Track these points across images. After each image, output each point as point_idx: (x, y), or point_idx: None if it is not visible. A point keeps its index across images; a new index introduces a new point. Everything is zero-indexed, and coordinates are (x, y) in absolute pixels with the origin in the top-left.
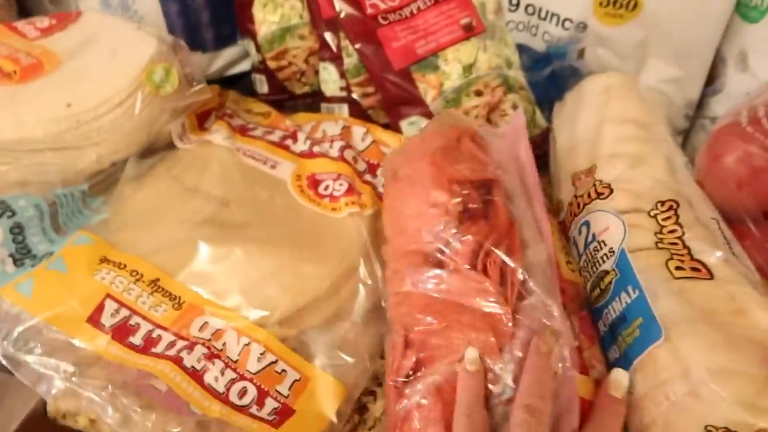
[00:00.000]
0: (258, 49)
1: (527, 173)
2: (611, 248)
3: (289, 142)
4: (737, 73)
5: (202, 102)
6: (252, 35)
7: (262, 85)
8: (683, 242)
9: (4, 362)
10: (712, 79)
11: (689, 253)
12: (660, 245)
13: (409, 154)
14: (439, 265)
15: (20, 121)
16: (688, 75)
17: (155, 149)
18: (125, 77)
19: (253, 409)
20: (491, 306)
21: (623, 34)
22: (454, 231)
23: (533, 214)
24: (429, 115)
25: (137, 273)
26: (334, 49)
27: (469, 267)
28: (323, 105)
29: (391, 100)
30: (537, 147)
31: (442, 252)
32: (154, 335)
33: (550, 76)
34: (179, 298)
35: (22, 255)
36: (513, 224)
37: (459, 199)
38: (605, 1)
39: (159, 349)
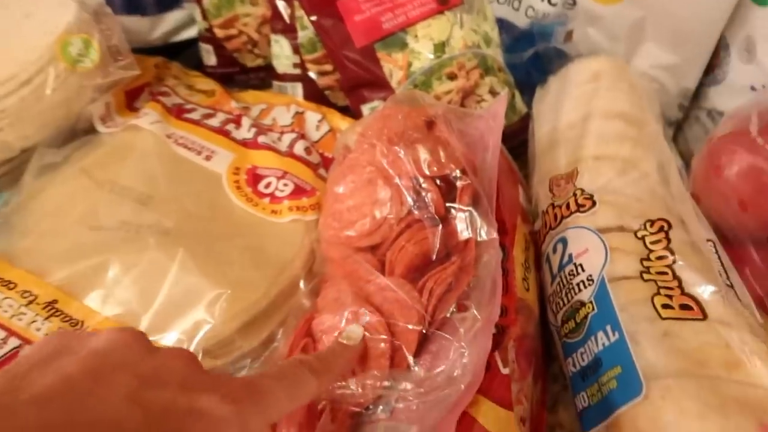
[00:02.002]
0: (204, 15)
1: (490, 177)
2: (590, 275)
3: (231, 127)
4: (741, 63)
5: (129, 79)
6: None
7: (209, 56)
8: (673, 272)
9: None
10: (712, 68)
11: (680, 286)
12: (646, 275)
13: (364, 133)
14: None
15: None
16: (685, 62)
17: (76, 133)
18: (35, 50)
19: None
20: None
21: (617, 14)
22: (393, 237)
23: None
24: None
25: (30, 294)
26: (287, 19)
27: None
28: (275, 83)
29: (352, 81)
30: (515, 136)
31: (374, 252)
32: None
33: (533, 58)
34: (82, 323)
35: None
36: (471, 248)
37: (410, 201)
38: None
39: None
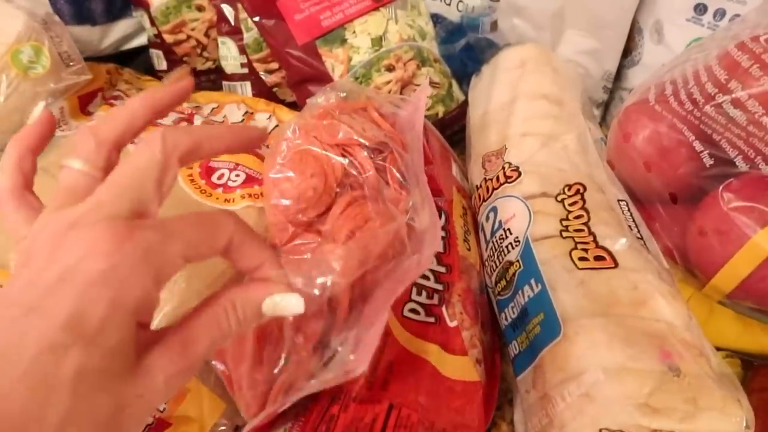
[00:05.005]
0: (152, 22)
1: (417, 148)
2: (516, 237)
3: (183, 125)
4: (653, 44)
5: (82, 83)
6: (145, 7)
7: (160, 61)
8: (589, 228)
9: None
10: (629, 51)
11: (594, 240)
12: (565, 233)
13: (298, 118)
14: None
15: None
16: (605, 46)
17: None
18: None
19: None
20: None
21: (538, 4)
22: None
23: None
24: None
25: None
26: (232, 21)
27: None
28: (225, 83)
29: (297, 77)
30: (455, 122)
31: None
32: None
33: (466, 49)
34: None
35: None
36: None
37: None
38: None
39: None
